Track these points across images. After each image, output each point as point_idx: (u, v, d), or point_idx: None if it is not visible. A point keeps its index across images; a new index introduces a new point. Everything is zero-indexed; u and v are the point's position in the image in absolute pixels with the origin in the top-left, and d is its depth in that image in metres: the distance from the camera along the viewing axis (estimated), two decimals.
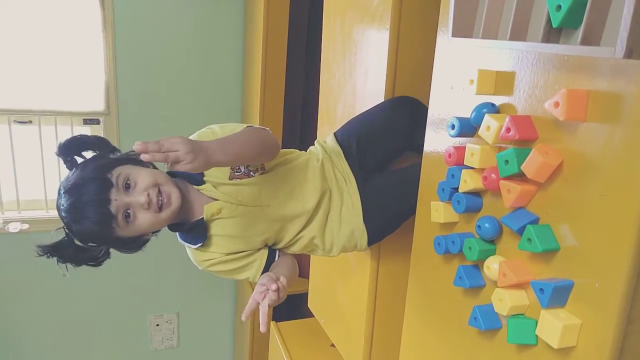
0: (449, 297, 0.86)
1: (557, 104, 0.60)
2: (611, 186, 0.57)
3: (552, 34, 0.63)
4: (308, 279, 1.76)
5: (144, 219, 0.98)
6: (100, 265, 1.06)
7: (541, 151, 0.63)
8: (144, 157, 0.79)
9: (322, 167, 1.17)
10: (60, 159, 1.03)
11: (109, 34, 2.62)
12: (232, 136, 0.99)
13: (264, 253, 1.12)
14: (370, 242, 1.19)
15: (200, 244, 1.07)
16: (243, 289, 2.96)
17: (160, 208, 0.99)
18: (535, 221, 0.67)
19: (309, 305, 1.77)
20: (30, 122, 2.63)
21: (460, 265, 0.80)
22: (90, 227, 0.95)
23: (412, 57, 1.23)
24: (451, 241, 0.82)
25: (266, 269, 1.10)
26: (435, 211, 0.86)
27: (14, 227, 2.54)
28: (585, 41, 0.56)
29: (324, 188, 1.15)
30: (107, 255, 1.07)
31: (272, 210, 1.10)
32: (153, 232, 1.07)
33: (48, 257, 1.01)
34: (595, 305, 0.59)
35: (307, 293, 1.78)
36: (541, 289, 0.63)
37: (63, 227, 1.01)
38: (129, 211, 0.97)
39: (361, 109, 1.29)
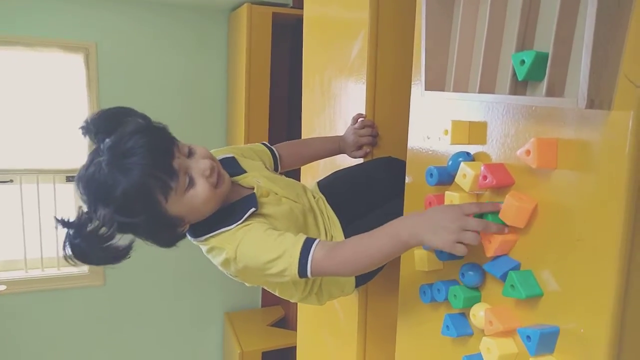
0: (438, 346, 0.84)
1: (528, 152, 0.62)
2: (587, 231, 0.58)
3: (519, 86, 0.66)
4: (296, 331, 1.72)
5: (202, 189, 0.89)
6: (118, 262, 0.86)
7: (515, 197, 0.65)
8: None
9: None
10: (88, 135, 0.89)
11: (93, 92, 2.66)
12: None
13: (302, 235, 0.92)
14: (357, 284, 1.17)
15: (252, 211, 0.93)
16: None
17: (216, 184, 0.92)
18: (517, 267, 0.68)
19: (298, 359, 1.72)
20: (12, 181, 2.60)
21: (447, 314, 0.79)
22: (142, 180, 0.79)
23: (389, 107, 1.26)
24: (436, 289, 0.82)
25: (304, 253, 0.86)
26: (419, 260, 0.86)
27: None
28: (550, 92, 0.59)
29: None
30: (128, 250, 0.86)
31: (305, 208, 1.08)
32: (186, 229, 0.94)
33: (63, 228, 0.82)
34: (582, 351, 0.59)
35: (296, 347, 1.73)
36: (528, 336, 0.62)
37: (81, 194, 0.85)
38: (189, 175, 0.88)
39: (343, 160, 1.31)
